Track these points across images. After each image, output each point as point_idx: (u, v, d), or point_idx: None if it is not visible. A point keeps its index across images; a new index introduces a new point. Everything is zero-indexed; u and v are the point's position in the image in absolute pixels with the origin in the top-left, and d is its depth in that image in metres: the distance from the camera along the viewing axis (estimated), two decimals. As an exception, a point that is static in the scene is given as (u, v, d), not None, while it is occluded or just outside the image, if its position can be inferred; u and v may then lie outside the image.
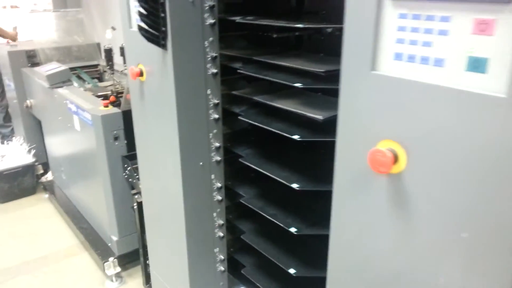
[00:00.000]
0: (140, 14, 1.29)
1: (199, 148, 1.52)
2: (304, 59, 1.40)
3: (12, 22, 4.28)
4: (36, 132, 3.95)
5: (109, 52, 2.98)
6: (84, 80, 3.49)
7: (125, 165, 2.49)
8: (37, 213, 3.51)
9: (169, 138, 1.50)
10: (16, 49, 3.74)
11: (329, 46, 1.55)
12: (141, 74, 1.53)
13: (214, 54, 1.43)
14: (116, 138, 2.47)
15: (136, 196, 2.41)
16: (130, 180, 2.50)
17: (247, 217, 1.67)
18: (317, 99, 1.38)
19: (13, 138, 4.15)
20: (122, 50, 2.96)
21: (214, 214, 1.64)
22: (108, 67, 3.04)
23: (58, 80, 2.99)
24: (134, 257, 2.74)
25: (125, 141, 2.51)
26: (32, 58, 3.78)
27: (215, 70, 1.45)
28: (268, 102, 1.35)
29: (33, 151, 3.81)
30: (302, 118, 1.25)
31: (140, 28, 1.31)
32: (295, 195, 1.42)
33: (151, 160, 1.69)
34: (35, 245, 3.07)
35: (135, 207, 2.45)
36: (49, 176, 3.90)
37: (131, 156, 2.52)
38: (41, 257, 2.94)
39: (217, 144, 1.54)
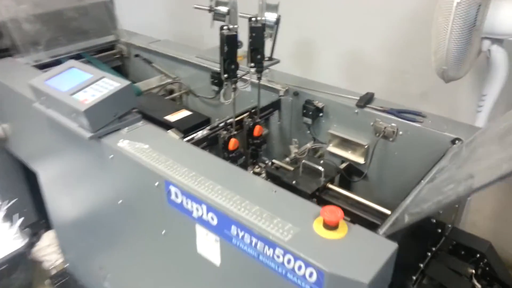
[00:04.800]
0: None
1: None
2: None
3: None
4: (15, 177, 2.14)
5: (260, 31, 1.26)
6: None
7: None
8: None
9: None
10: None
11: None
12: None
13: None
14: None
15: None
16: None
17: None
18: None
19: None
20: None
21: None
22: (255, 66, 1.31)
23: (111, 118, 1.24)
24: None
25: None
26: (-5, 42, 1.90)
27: None
28: None
29: (18, 220, 2.02)
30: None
31: None
32: None
33: None
34: None
35: None
36: (50, 256, 2.16)
37: None
38: None
39: None
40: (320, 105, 1.46)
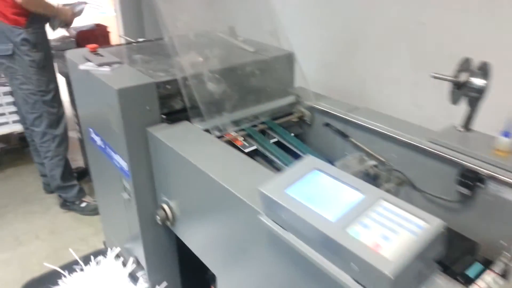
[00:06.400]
0: None
1: None
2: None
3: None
4: (168, 258, 1.80)
5: None
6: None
7: None
8: None
9: None
10: (135, 84, 1.51)
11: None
12: None
13: None
14: None
15: None
16: None
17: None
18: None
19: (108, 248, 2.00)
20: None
21: None
22: None
23: (413, 280, 0.79)
24: None
25: None
26: (168, 102, 1.58)
27: None
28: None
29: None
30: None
31: None
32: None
33: None
34: None
35: None
36: None
37: None
38: None
39: None
40: None
